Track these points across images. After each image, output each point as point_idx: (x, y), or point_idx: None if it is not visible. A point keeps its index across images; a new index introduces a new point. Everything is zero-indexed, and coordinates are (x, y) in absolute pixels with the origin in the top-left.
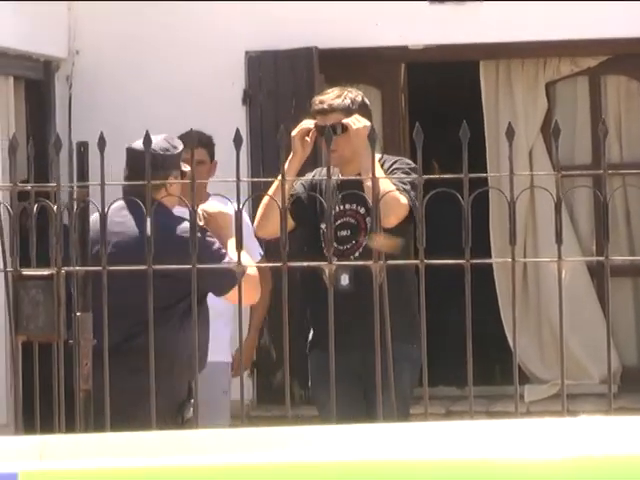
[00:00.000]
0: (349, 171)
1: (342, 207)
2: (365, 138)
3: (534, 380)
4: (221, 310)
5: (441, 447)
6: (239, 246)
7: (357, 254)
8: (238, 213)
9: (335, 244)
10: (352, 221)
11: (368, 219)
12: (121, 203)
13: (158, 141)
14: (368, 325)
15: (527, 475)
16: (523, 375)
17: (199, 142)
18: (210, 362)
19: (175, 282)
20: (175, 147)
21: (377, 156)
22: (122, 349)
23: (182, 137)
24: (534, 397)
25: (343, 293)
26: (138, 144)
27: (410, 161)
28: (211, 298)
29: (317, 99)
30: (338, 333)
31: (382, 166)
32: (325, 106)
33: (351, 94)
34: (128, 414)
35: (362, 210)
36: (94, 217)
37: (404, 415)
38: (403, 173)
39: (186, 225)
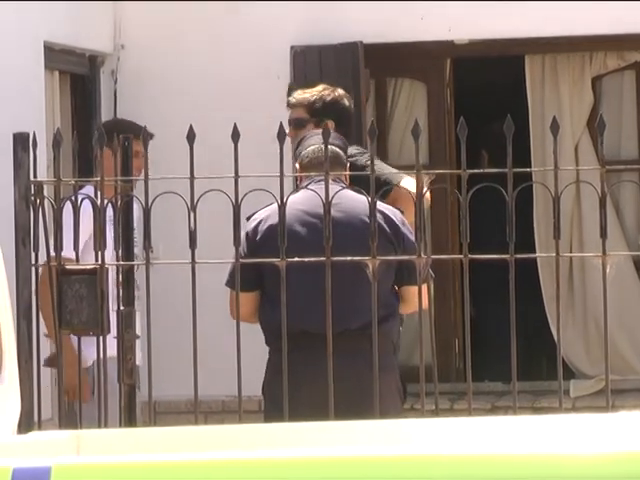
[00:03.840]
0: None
1: None
2: (409, 201)
3: (579, 375)
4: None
5: (485, 442)
6: (282, 239)
7: None
8: (282, 207)
9: None
10: None
11: None
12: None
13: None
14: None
15: (571, 470)
16: (568, 370)
17: (136, 133)
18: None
19: None
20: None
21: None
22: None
23: (110, 125)
24: (579, 392)
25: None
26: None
27: (357, 150)
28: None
29: (295, 91)
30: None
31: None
32: (292, 99)
33: (325, 92)
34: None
35: None
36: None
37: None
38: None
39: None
